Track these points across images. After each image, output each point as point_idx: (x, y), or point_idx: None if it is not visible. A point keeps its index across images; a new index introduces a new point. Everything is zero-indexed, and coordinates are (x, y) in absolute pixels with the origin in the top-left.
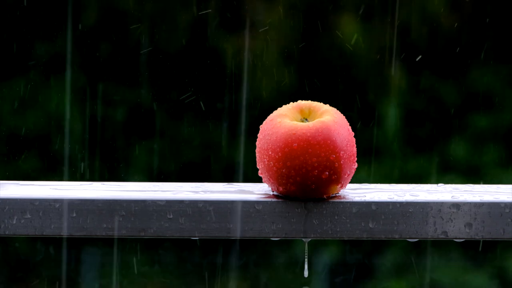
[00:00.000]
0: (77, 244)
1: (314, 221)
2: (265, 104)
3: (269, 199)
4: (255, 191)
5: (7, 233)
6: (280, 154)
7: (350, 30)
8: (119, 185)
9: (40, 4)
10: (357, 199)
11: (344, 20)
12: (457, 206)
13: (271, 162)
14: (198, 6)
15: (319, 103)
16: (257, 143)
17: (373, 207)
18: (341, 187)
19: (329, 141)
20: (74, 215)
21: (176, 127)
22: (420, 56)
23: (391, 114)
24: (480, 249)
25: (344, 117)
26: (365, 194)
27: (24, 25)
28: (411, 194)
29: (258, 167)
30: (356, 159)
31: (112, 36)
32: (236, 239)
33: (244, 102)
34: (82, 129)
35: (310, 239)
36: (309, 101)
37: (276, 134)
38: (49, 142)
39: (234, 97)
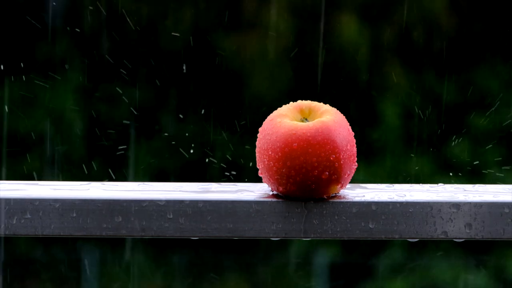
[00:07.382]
0: (77, 244)
1: (314, 221)
2: (265, 104)
3: (269, 199)
4: (255, 191)
5: (7, 233)
6: (280, 154)
7: (350, 29)
8: (119, 185)
9: (40, 3)
10: (357, 199)
11: (344, 20)
12: (457, 206)
13: (271, 162)
14: (198, 6)
15: (319, 103)
16: (257, 143)
17: (373, 207)
18: (341, 187)
19: (329, 141)
20: (74, 215)
21: (176, 127)
22: (420, 56)
23: (391, 114)
24: (480, 249)
25: (344, 117)
26: (365, 194)
27: (25, 25)
28: (411, 194)
29: (258, 167)
30: (356, 159)
31: (112, 35)
32: (236, 239)
33: (244, 102)
34: (83, 129)
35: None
36: (309, 101)
37: (276, 134)
38: (50, 142)
39: (234, 97)
